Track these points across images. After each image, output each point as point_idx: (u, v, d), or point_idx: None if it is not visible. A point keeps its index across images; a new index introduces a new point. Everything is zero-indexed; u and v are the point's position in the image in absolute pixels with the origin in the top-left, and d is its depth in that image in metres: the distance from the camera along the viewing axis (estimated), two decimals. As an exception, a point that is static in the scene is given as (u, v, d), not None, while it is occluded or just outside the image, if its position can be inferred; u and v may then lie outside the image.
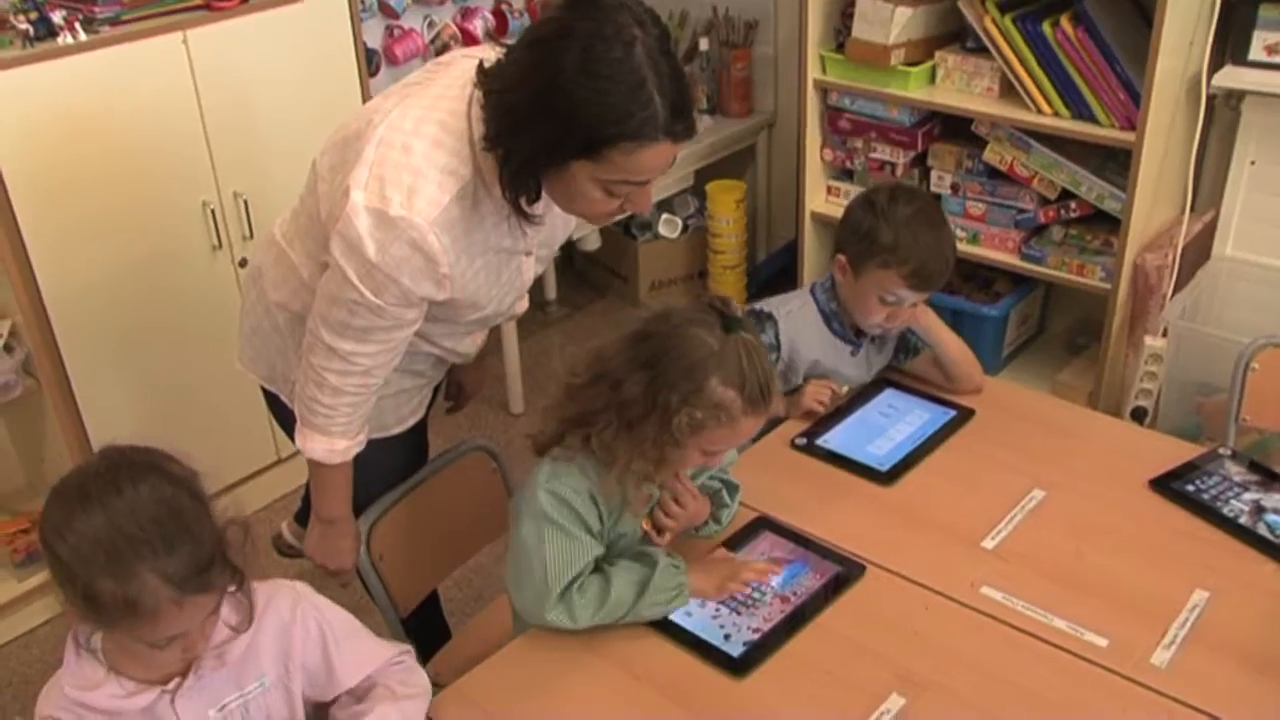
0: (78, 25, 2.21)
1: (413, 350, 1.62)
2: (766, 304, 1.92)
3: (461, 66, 1.46)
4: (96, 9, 2.24)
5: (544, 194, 1.43)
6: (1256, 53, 2.45)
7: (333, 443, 1.59)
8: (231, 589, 1.23)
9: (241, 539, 1.22)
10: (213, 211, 2.47)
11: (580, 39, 1.27)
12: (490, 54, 1.40)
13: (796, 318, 1.90)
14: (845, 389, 1.93)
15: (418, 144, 1.40)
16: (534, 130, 1.32)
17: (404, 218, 1.37)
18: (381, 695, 1.37)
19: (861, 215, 1.84)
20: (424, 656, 1.76)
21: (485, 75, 1.38)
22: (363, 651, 1.39)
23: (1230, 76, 2.48)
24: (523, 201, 1.42)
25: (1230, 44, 2.49)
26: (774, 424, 1.90)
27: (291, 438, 1.81)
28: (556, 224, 1.62)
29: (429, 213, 1.38)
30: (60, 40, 2.20)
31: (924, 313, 1.91)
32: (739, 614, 1.49)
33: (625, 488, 1.43)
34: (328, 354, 1.51)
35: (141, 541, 1.13)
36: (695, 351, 1.37)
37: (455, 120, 1.42)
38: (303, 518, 2.50)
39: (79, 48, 2.20)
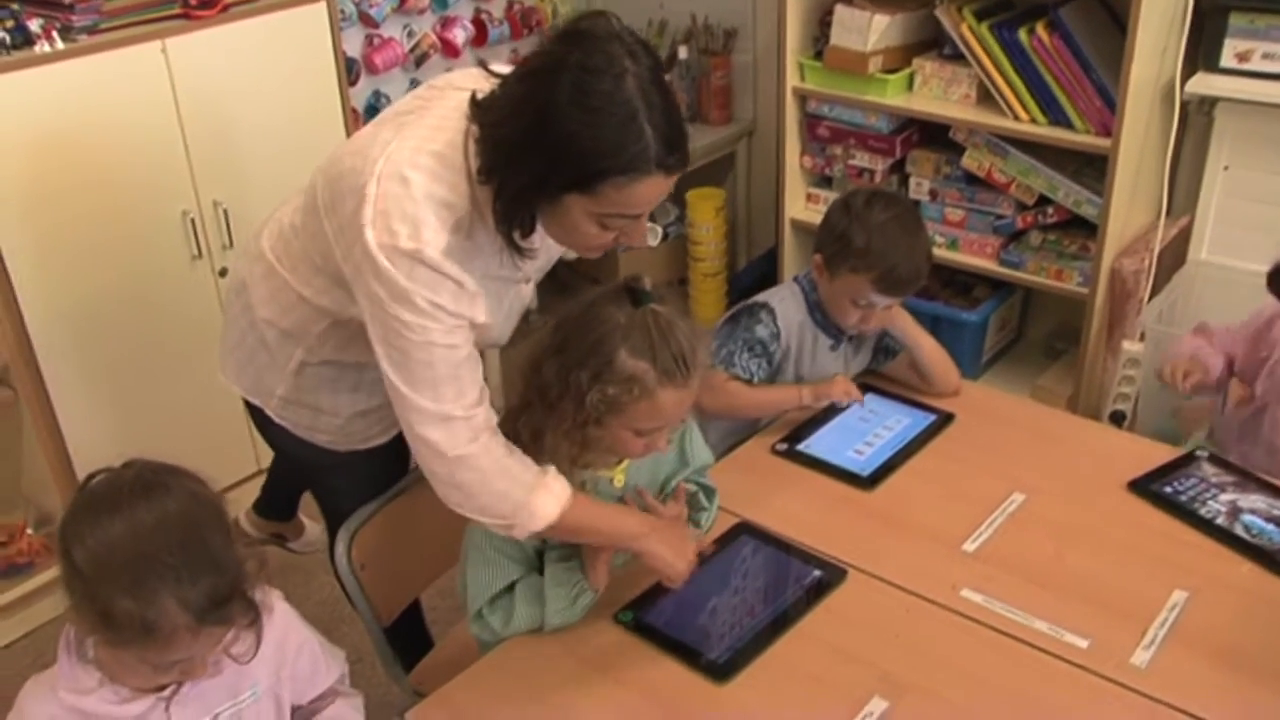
0: (55, 34, 2.20)
1: None
2: (759, 297, 1.94)
3: (459, 98, 1.43)
4: (74, 17, 2.22)
5: (538, 227, 1.42)
6: (1228, 60, 2.48)
7: (534, 494, 1.42)
8: (246, 623, 1.22)
9: (258, 571, 1.22)
10: (192, 220, 2.46)
11: (571, 71, 1.26)
12: (484, 84, 1.39)
13: (788, 304, 1.93)
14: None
15: (415, 175, 1.37)
16: (526, 164, 1.31)
17: (416, 250, 1.35)
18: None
19: (838, 218, 1.86)
20: (406, 665, 1.76)
21: (478, 108, 1.37)
22: (330, 658, 1.45)
23: (1202, 83, 2.51)
24: (516, 235, 1.40)
25: (1202, 51, 2.52)
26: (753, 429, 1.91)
27: (273, 446, 1.80)
28: (552, 251, 1.61)
29: (436, 242, 1.36)
30: (37, 49, 2.18)
31: (899, 314, 1.92)
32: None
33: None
34: (444, 424, 1.38)
35: (167, 566, 1.13)
36: (601, 327, 1.38)
37: (453, 152, 1.39)
38: (261, 507, 2.49)
39: (56, 56, 2.18)
